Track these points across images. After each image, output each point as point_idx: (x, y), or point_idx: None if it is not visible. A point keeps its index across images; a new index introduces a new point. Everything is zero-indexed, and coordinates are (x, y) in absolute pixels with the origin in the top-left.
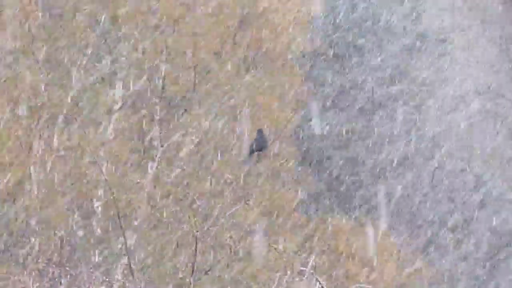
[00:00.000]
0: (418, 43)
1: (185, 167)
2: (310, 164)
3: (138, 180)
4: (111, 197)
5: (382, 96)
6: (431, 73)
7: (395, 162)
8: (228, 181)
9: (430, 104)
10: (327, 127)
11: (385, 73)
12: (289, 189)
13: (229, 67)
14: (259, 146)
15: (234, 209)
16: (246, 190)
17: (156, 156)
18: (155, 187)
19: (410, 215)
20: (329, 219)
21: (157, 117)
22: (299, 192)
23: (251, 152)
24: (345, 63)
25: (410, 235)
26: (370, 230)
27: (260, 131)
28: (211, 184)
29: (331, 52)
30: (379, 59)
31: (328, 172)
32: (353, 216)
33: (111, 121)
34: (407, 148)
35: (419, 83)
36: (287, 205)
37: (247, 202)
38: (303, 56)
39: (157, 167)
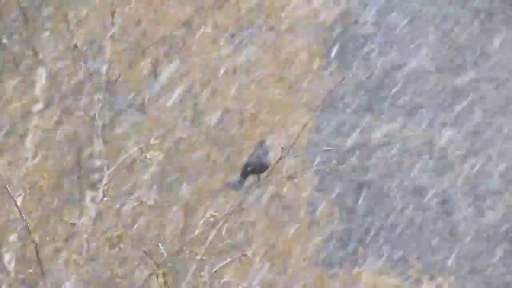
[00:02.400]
0: None
1: (145, 199)
2: (334, 192)
3: (73, 221)
4: (31, 247)
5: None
6: None
7: (463, 190)
8: (212, 220)
9: None
10: (362, 135)
11: None
12: (303, 230)
13: (207, 41)
14: (257, 164)
15: (223, 262)
16: (241, 234)
17: (100, 182)
18: (97, 231)
19: (486, 271)
20: (362, 275)
21: (99, 123)
22: (317, 233)
23: (245, 174)
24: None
25: None
26: None
27: (262, 144)
28: (185, 224)
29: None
30: None
31: (362, 204)
32: (400, 271)
33: (29, 129)
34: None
35: None
36: (299, 254)
37: (244, 253)
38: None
39: (102, 200)
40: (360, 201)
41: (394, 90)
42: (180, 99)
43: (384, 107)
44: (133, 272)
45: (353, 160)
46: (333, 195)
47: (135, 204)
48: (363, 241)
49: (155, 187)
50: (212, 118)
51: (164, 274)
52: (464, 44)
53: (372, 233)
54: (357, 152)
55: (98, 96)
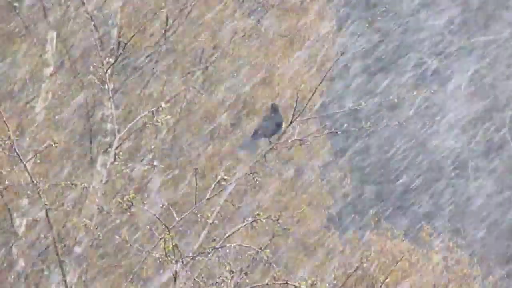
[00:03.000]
0: None
1: (155, 162)
2: (347, 156)
3: (84, 184)
4: (41, 210)
5: None
6: None
7: (477, 151)
8: (224, 182)
9: None
10: (375, 97)
11: None
12: (315, 194)
13: (217, 3)
14: (270, 127)
15: (235, 227)
16: (253, 197)
17: (110, 146)
18: (108, 193)
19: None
20: (375, 239)
21: (109, 86)
22: (331, 197)
23: (257, 136)
24: None
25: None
26: (438, 256)
27: (274, 107)
28: (196, 187)
29: None
30: None
31: (375, 167)
32: (412, 235)
33: (40, 92)
34: None
35: None
36: (313, 218)
37: (257, 217)
38: None
39: (112, 163)
40: (373, 165)
41: (407, 52)
42: (191, 62)
43: (398, 69)
44: (144, 237)
45: (366, 122)
46: (346, 159)
47: (146, 168)
48: (375, 205)
49: (166, 151)
50: (223, 81)
51: (171, 238)
52: (479, 7)
53: (384, 197)
54: (370, 114)
55: (108, 59)
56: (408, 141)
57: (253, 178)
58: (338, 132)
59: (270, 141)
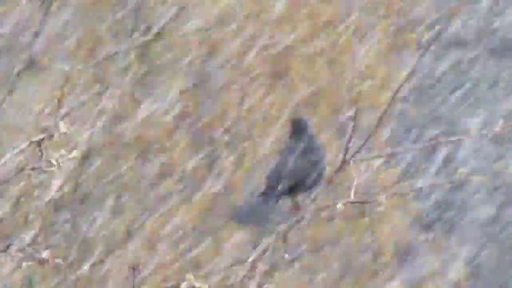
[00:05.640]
0: None
1: (45, 254)
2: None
3: None
4: None
5: None
6: None
7: None
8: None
9: None
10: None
11: None
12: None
13: None
14: (297, 171)
15: None
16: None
17: None
18: None
19: None
20: None
21: None
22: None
23: (275, 192)
24: None
25: None
26: None
27: (300, 125)
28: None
29: None
30: None
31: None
32: None
33: None
34: None
35: None
36: None
37: None
38: None
39: None
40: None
41: None
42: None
43: None
44: None
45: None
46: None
47: (24, 263)
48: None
49: (63, 223)
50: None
51: None
52: None
53: None
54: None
55: None
56: None
57: (259, 282)
58: (448, 183)
59: (297, 203)
